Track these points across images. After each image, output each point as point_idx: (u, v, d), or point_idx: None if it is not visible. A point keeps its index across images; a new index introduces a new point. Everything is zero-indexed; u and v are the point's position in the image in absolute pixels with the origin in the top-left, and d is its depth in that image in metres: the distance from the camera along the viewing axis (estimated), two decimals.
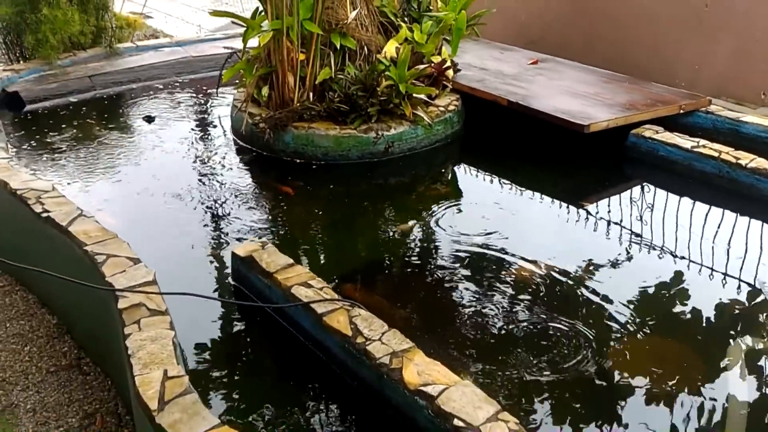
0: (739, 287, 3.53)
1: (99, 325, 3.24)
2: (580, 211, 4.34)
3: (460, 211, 4.46)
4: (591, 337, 3.17)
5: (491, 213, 4.25)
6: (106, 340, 3.14)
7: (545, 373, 2.94)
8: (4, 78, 6.14)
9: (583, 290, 3.51)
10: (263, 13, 5.19)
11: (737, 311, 3.37)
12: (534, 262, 3.72)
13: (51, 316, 3.76)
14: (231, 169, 4.91)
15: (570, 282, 3.58)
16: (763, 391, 2.87)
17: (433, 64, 5.36)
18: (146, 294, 2.87)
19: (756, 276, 3.61)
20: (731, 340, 3.15)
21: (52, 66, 6.50)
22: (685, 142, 4.64)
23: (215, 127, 5.70)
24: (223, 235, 4.04)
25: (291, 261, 3.28)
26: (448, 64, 5.56)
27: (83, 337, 3.52)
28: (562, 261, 3.72)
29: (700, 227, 4.06)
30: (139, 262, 3.10)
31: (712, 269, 3.68)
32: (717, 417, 2.74)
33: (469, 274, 3.65)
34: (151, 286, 2.94)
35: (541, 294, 3.49)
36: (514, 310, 3.35)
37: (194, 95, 6.43)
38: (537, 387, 2.86)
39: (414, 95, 5.10)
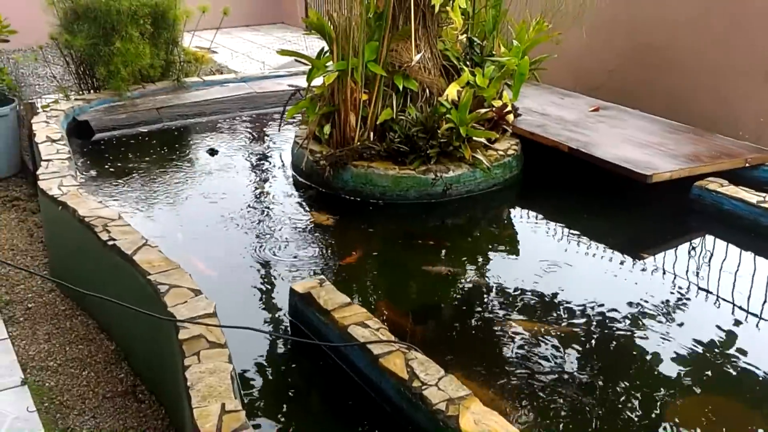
0: None
1: (156, 354, 3.28)
2: (640, 262, 4.26)
3: (515, 256, 4.43)
4: (648, 393, 3.09)
5: (547, 260, 4.20)
6: (162, 369, 3.18)
7: (600, 427, 2.88)
8: (75, 107, 6.36)
9: (640, 344, 3.43)
10: (328, 54, 5.29)
11: None
12: (590, 313, 3.66)
13: (110, 342, 3.83)
14: (290, 204, 4.98)
15: (626, 335, 3.51)
16: None
17: (494, 108, 5.38)
18: (207, 326, 2.91)
19: None
20: None
21: (122, 97, 6.72)
22: (752, 196, 4.54)
23: (276, 162, 5.80)
24: (280, 270, 4.08)
25: (348, 300, 3.29)
26: (509, 108, 5.56)
27: (140, 365, 3.57)
28: (619, 313, 3.65)
29: (764, 284, 3.95)
30: (200, 294, 3.14)
31: None
32: None
33: (522, 322, 3.60)
34: (211, 318, 2.97)
35: (596, 346, 3.42)
36: (567, 361, 3.28)
37: (257, 130, 6.56)
38: None
39: (474, 138, 5.11)
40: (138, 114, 6.49)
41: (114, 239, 3.61)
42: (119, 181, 5.27)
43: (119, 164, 5.59)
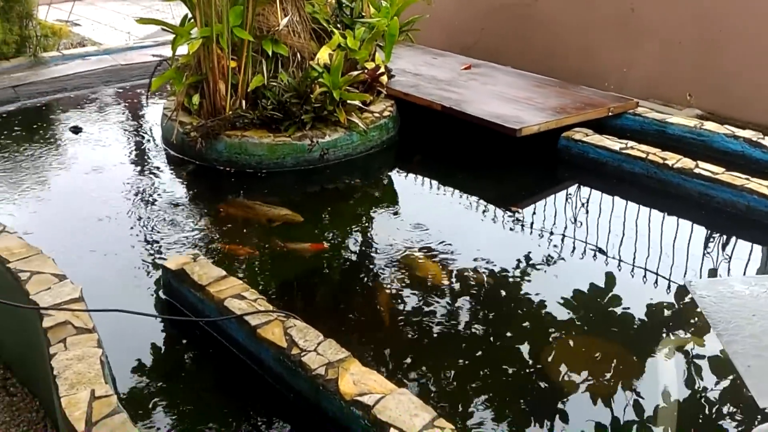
0: (668, 285, 3.62)
1: (25, 345, 3.13)
2: (515, 214, 4.38)
3: (396, 216, 4.46)
4: (528, 339, 3.21)
5: (427, 218, 4.26)
6: (32, 360, 3.04)
7: (482, 376, 2.96)
8: None
9: (520, 293, 3.55)
10: (192, 20, 5.10)
11: (666, 309, 3.46)
12: (470, 267, 3.74)
13: None
14: (162, 179, 4.81)
15: (506, 285, 3.62)
16: (692, 386, 2.94)
17: (366, 71, 5.36)
18: (72, 311, 2.78)
19: (684, 274, 3.70)
20: (661, 337, 3.21)
21: None
22: (614, 144, 4.74)
23: (145, 136, 5.58)
24: (154, 248, 3.94)
25: (224, 273, 3.22)
26: (382, 70, 5.55)
27: (10, 357, 3.38)
28: (499, 265, 3.76)
29: (630, 227, 4.15)
30: (64, 279, 3.00)
31: (643, 268, 3.76)
32: (649, 411, 2.79)
33: (406, 280, 3.64)
34: (77, 303, 2.84)
35: (478, 298, 3.51)
36: (451, 315, 3.36)
37: (123, 104, 6.29)
38: (474, 391, 2.87)
39: (348, 102, 5.08)
40: None
41: None
42: None
43: None
